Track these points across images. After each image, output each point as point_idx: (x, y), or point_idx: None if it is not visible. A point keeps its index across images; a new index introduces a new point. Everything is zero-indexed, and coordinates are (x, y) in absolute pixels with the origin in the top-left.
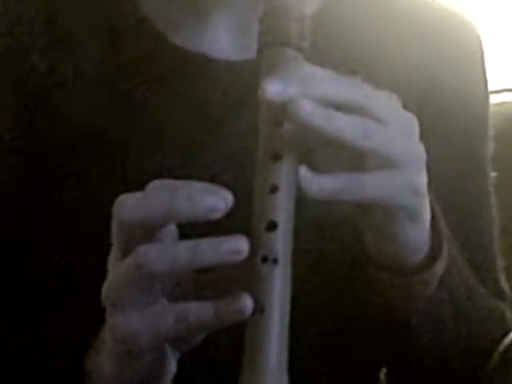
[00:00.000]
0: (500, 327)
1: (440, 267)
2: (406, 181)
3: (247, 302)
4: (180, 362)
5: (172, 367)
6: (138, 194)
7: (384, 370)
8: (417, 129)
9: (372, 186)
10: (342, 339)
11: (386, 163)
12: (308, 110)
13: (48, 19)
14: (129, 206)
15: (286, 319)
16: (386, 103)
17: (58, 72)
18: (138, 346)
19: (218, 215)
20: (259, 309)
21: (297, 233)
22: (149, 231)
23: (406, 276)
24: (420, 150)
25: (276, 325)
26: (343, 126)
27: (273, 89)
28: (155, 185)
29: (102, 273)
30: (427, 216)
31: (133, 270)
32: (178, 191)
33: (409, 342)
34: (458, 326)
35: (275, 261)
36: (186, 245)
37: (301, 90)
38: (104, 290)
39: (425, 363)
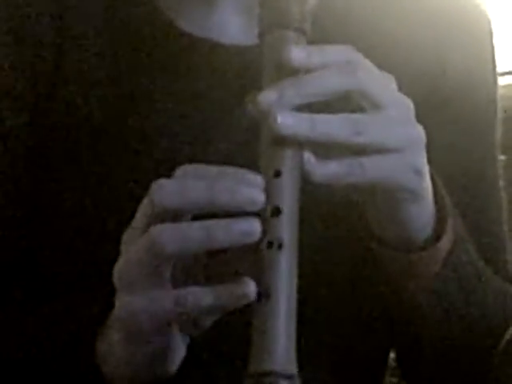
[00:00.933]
0: (509, 309)
1: (444, 244)
2: (406, 162)
3: (250, 288)
4: (189, 347)
5: (181, 351)
6: (175, 181)
7: (393, 356)
8: (412, 111)
9: (374, 168)
10: (349, 322)
11: (384, 150)
12: (289, 122)
13: (55, 7)
14: (167, 191)
15: (293, 305)
16: (383, 86)
17: (67, 58)
18: (138, 327)
19: (256, 207)
20: (265, 295)
21: (302, 215)
22: (178, 216)
23: (411, 253)
24: (418, 131)
25: (282, 310)
26: (330, 129)
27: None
28: (187, 170)
29: (111, 260)
30: (429, 195)
31: (146, 250)
32: (216, 182)
33: (417, 323)
34: (466, 305)
35: (280, 246)
36: (199, 225)
37: (297, 98)
38: (116, 269)
39: (433, 343)
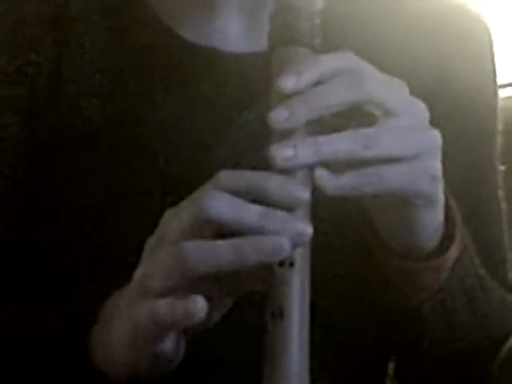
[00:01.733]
0: (511, 319)
1: (452, 254)
2: (422, 168)
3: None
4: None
5: (181, 350)
6: (229, 196)
7: (392, 367)
8: (427, 115)
9: (390, 177)
10: (352, 329)
11: (398, 159)
12: (288, 154)
13: (55, 13)
14: (220, 204)
15: (306, 322)
16: (394, 94)
17: (65, 65)
18: (157, 331)
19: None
20: (278, 313)
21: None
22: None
23: (419, 262)
24: (433, 136)
25: (296, 328)
26: (336, 148)
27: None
28: (225, 176)
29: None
30: (442, 202)
31: (175, 265)
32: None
33: (420, 332)
34: (469, 315)
35: (292, 264)
36: (229, 244)
37: (308, 114)
38: (139, 272)
39: (436, 354)
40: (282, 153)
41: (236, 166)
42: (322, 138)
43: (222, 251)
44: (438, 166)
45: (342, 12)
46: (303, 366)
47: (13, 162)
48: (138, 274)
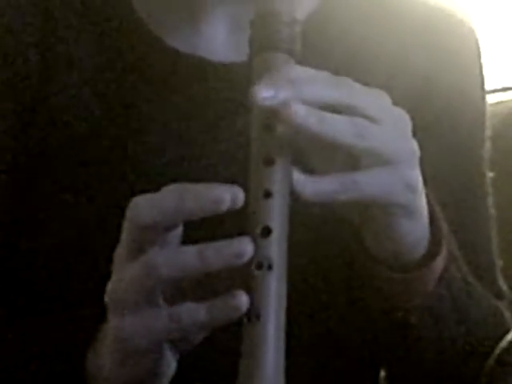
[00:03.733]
0: (499, 327)
1: (439, 263)
2: (399, 177)
3: (242, 299)
4: (178, 364)
5: (171, 367)
6: (149, 196)
7: (383, 373)
8: (409, 125)
9: (366, 184)
10: (340, 340)
11: (380, 161)
12: (302, 113)
13: (42, 22)
14: (141, 207)
15: (282, 325)
16: (377, 102)
17: (53, 74)
18: (135, 347)
19: (224, 207)
20: (255, 315)
21: (293, 234)
22: (159, 233)
23: (405, 272)
24: (413, 147)
25: (272, 331)
26: (336, 126)
27: (263, 94)
28: (167, 187)
29: (102, 273)
30: (424, 212)
31: (141, 273)
32: (186, 190)
33: (408, 341)
34: (457, 324)
35: (270, 267)
36: (193, 250)
37: (291, 93)
38: (109, 290)
39: (424, 362)
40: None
41: (222, 174)
42: (325, 114)
43: (187, 256)
44: (415, 176)
45: (330, 17)
46: (279, 368)
47: (2, 174)
48: (107, 288)
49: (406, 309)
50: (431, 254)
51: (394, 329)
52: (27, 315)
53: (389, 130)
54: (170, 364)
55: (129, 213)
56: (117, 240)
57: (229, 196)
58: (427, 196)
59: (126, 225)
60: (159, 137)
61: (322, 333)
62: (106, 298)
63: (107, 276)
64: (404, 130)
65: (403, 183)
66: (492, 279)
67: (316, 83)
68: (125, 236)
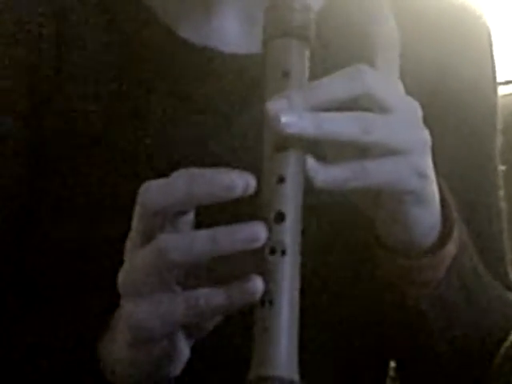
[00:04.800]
0: (509, 317)
1: (450, 251)
2: (410, 165)
3: (258, 284)
4: (192, 351)
5: (185, 353)
6: (160, 181)
7: (393, 366)
8: (420, 114)
9: (377, 172)
10: (351, 329)
11: (390, 151)
12: (293, 121)
13: (54, 14)
14: (152, 192)
15: (296, 310)
16: (391, 88)
17: (65, 66)
18: (150, 333)
19: (237, 193)
20: (268, 300)
21: (305, 221)
22: (170, 218)
23: (416, 258)
24: (424, 134)
25: (285, 316)
26: (337, 127)
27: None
28: (178, 172)
29: (114, 262)
30: (435, 199)
31: (152, 258)
32: (197, 175)
33: (418, 330)
34: (467, 312)
35: (283, 252)
36: (205, 233)
37: (305, 104)
38: (121, 276)
39: (434, 352)
40: (283, 116)
41: (234, 166)
42: (325, 114)
43: (199, 240)
44: (426, 164)
45: (342, 9)
46: (292, 354)
47: (13, 164)
48: (119, 276)
49: (417, 296)
50: (442, 241)
51: (405, 317)
52: (37, 306)
53: (399, 118)
54: (184, 350)
55: (140, 198)
56: (127, 228)
57: (241, 182)
58: (439, 184)
59: (137, 210)
60: (169, 126)
61: (333, 321)
62: (119, 285)
63: (118, 264)
64: (415, 119)
65: (414, 171)
66: (502, 271)
67: (326, 87)
68: (136, 222)
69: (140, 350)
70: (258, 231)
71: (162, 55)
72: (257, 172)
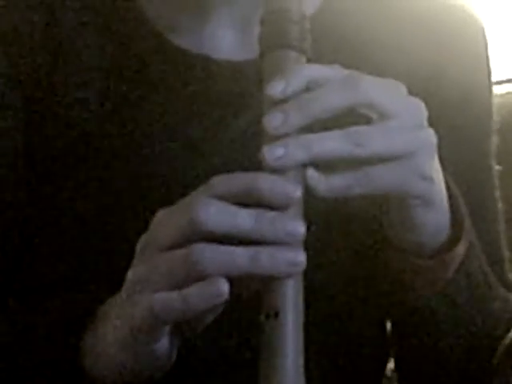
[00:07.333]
0: (510, 318)
1: (460, 250)
2: (413, 168)
3: (222, 286)
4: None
5: (172, 354)
6: (221, 204)
7: (391, 367)
8: (425, 114)
9: (379, 178)
10: (352, 331)
11: (390, 158)
12: (279, 153)
13: (48, 21)
14: (213, 213)
15: (301, 322)
16: (391, 94)
17: (59, 73)
18: (155, 325)
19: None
20: (273, 313)
21: (315, 228)
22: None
23: (427, 259)
24: (428, 136)
25: (291, 328)
26: (328, 146)
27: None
28: (217, 182)
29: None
30: (443, 201)
31: (182, 266)
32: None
33: (424, 330)
34: (475, 312)
35: None
36: (244, 251)
37: (303, 119)
38: (136, 274)
39: (439, 351)
40: (272, 152)
41: (229, 172)
42: (312, 136)
43: (239, 258)
44: (430, 166)
45: (337, 11)
46: (298, 365)
47: (11, 169)
48: (130, 274)
49: (425, 296)
50: (452, 241)
51: (412, 316)
52: (22, 301)
53: (402, 122)
54: (172, 350)
55: (193, 210)
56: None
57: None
58: (447, 184)
59: (181, 218)
60: (165, 135)
61: (339, 327)
62: (130, 278)
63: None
64: (419, 120)
65: (418, 174)
66: (500, 272)
67: (325, 93)
68: (173, 229)
69: (133, 348)
70: (300, 256)
71: (158, 63)
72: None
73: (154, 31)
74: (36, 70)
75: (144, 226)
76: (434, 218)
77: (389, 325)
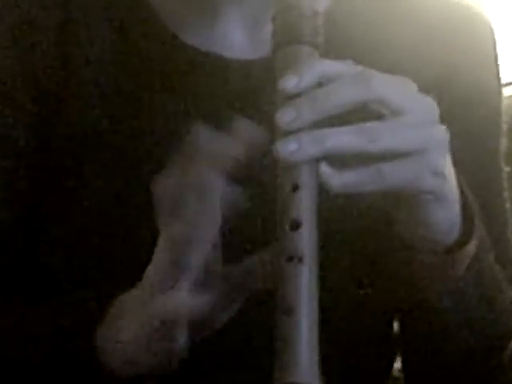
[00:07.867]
0: None
1: (471, 248)
2: (426, 165)
3: None
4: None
5: (184, 352)
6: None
7: (398, 367)
8: (436, 111)
9: (392, 174)
10: (360, 329)
11: (402, 154)
12: (293, 150)
13: (62, 18)
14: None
15: (315, 317)
16: (402, 91)
17: (71, 72)
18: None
19: None
20: (288, 308)
21: (324, 225)
22: None
23: (439, 256)
24: (440, 132)
25: (305, 324)
26: (340, 141)
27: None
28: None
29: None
30: (455, 198)
31: None
32: None
33: (436, 326)
34: (485, 311)
35: (300, 260)
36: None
37: (316, 114)
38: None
39: (447, 350)
40: (286, 147)
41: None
42: (326, 131)
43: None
44: (442, 162)
45: (346, 11)
46: (313, 362)
47: (20, 167)
48: (151, 270)
49: (436, 293)
50: (464, 239)
51: (420, 315)
52: (35, 298)
53: (413, 119)
54: (184, 348)
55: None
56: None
57: None
58: (459, 181)
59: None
60: (173, 132)
61: (346, 325)
62: (151, 275)
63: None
64: (430, 117)
65: (430, 170)
66: (509, 272)
67: (337, 89)
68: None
69: (150, 345)
70: None
71: (167, 61)
72: (266, 177)
73: (165, 29)
74: (48, 66)
75: (152, 222)
76: (446, 214)
77: (396, 324)
